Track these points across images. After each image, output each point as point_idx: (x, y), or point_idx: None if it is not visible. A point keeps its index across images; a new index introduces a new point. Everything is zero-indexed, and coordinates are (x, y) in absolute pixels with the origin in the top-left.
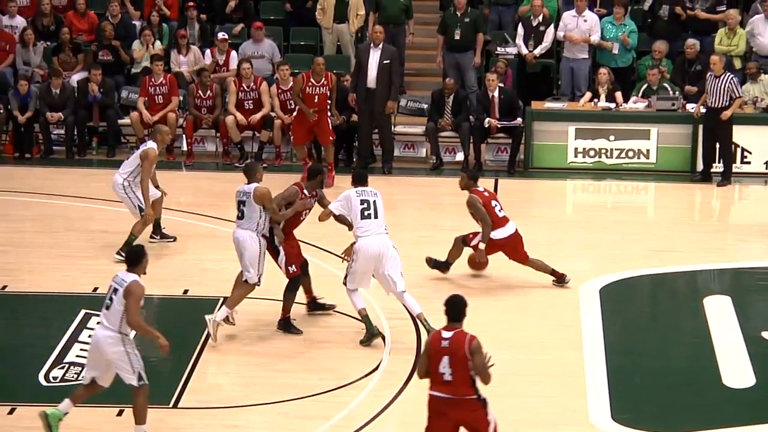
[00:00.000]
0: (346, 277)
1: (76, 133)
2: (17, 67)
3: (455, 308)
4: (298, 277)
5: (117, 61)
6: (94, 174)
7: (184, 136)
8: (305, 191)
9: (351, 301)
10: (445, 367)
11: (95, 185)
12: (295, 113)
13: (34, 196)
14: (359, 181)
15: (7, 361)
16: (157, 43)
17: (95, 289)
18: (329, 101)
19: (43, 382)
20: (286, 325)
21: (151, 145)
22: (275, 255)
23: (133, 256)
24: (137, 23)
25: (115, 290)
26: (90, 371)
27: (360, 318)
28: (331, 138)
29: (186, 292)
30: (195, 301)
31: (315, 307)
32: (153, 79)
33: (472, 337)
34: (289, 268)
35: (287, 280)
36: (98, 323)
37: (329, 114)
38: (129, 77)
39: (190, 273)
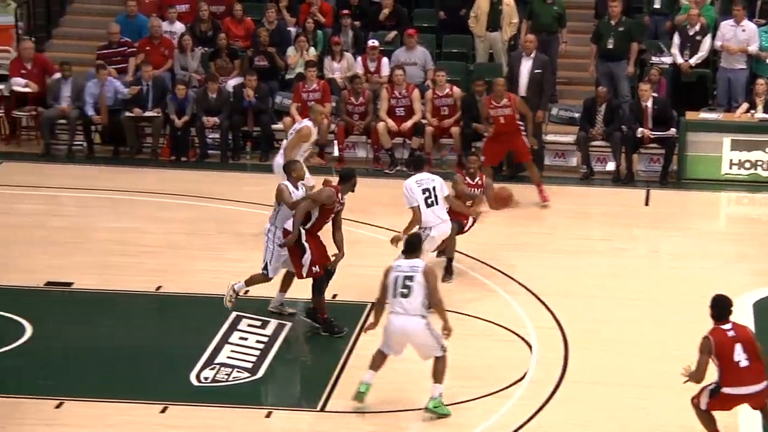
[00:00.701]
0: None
1: (230, 137)
2: (175, 72)
3: (722, 306)
4: (322, 278)
5: (272, 67)
6: (248, 177)
7: (335, 142)
8: (340, 194)
9: None
10: (740, 354)
11: (248, 189)
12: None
13: (189, 199)
14: (418, 167)
15: (160, 361)
16: (311, 49)
17: (246, 291)
18: (520, 123)
19: (195, 383)
20: (328, 326)
21: (306, 123)
22: (301, 253)
23: (413, 244)
24: (292, 30)
25: (409, 277)
26: (389, 350)
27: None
28: (531, 156)
29: (335, 297)
30: (343, 306)
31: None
32: (306, 85)
33: (746, 326)
34: (313, 268)
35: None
36: (394, 313)
37: (524, 134)
38: (283, 83)
39: (339, 277)
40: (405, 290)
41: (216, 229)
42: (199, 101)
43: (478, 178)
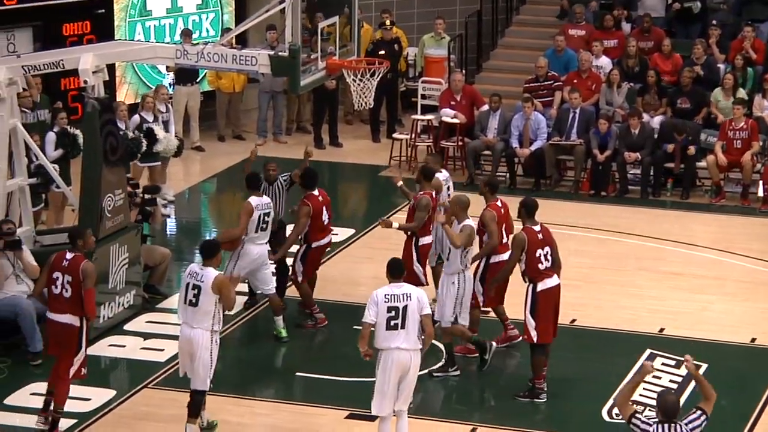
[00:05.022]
0: None
1: (651, 173)
2: (599, 106)
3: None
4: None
5: (695, 107)
6: (667, 215)
7: (761, 182)
8: None
9: None
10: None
11: (667, 226)
12: None
13: (608, 234)
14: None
15: (573, 394)
16: (740, 89)
17: (661, 330)
18: None
19: (606, 418)
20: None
21: None
22: None
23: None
24: (722, 66)
25: None
26: None
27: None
28: None
29: (753, 340)
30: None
31: None
32: (734, 123)
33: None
34: None
35: None
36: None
37: None
38: (709, 120)
39: (757, 321)
40: None
41: (635, 265)
42: (621, 136)
43: None
